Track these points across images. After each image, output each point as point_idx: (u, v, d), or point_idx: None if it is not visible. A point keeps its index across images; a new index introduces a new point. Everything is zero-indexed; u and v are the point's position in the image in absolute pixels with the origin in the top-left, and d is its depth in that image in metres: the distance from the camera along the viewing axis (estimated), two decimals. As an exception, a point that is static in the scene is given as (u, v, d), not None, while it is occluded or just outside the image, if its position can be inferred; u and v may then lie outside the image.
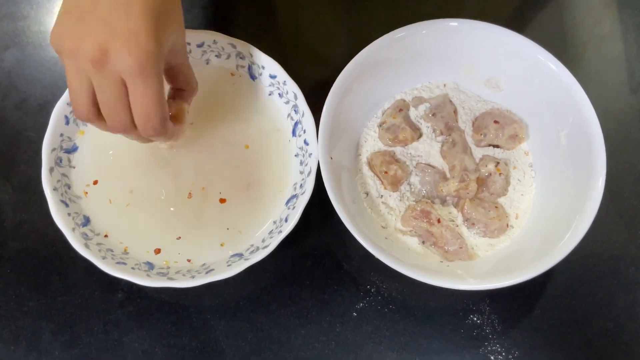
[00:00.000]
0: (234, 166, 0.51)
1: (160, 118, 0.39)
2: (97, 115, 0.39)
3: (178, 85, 0.45)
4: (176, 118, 0.45)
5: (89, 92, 0.38)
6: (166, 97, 0.41)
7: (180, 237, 0.49)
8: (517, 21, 0.61)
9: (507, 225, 0.49)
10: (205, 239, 0.49)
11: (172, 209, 0.50)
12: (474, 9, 0.62)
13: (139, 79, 0.37)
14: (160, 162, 0.51)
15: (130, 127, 0.39)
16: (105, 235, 0.48)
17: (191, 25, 0.54)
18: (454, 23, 0.49)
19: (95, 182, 0.50)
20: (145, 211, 0.49)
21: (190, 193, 0.50)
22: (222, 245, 0.48)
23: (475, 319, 0.49)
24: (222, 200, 0.50)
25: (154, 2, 0.37)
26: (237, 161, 0.51)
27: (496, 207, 0.49)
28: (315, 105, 0.48)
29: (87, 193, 0.49)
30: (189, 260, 0.48)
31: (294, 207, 0.47)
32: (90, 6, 0.36)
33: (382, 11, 0.61)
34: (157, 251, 0.48)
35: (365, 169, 0.51)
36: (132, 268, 0.46)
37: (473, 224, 0.48)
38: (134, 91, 0.37)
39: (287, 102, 0.51)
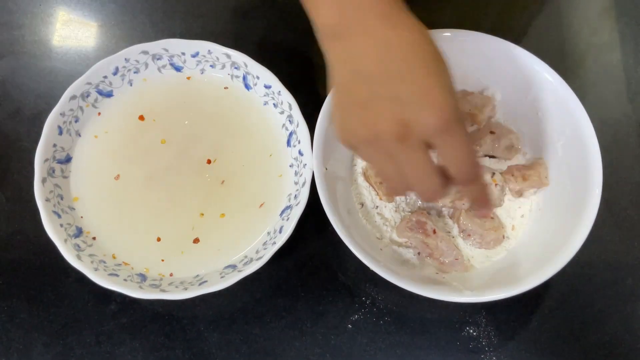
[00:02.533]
0: (227, 177, 0.51)
1: (475, 161, 0.37)
2: (409, 189, 0.38)
3: (444, 161, 0.38)
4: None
5: (402, 172, 0.37)
6: None
7: (183, 252, 0.49)
8: (515, 31, 0.61)
9: (503, 236, 0.48)
10: (202, 253, 0.49)
11: (166, 221, 0.49)
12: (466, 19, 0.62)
13: (447, 135, 0.34)
14: (154, 175, 0.51)
15: (443, 190, 0.37)
16: (106, 255, 0.48)
17: (186, 35, 0.54)
18: (447, 33, 0.48)
19: (87, 194, 0.50)
20: (140, 225, 0.49)
21: (184, 205, 0.50)
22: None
23: (471, 331, 0.49)
24: (221, 215, 0.50)
25: (424, 60, 0.34)
26: (231, 172, 0.51)
27: (492, 218, 0.48)
28: (311, 115, 0.48)
29: (78, 200, 0.49)
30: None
31: (288, 218, 0.47)
32: (367, 94, 0.35)
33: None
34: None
35: (361, 179, 0.51)
36: (125, 280, 0.45)
37: (469, 235, 0.48)
38: (445, 147, 0.35)
39: (282, 112, 0.51)
